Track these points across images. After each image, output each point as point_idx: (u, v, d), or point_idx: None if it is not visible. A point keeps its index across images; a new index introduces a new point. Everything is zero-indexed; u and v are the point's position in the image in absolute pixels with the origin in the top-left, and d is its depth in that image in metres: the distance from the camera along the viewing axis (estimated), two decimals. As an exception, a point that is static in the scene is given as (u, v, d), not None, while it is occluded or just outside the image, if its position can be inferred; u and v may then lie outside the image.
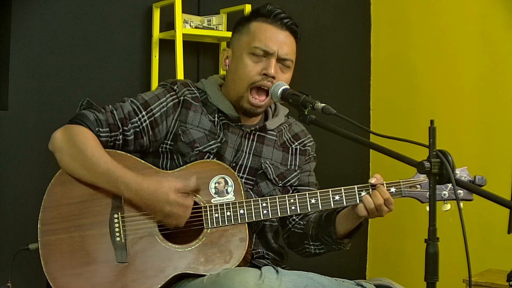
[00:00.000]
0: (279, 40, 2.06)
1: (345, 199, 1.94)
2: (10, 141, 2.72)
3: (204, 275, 1.86)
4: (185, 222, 1.90)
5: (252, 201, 1.95)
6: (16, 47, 2.73)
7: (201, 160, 2.01)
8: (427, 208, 1.87)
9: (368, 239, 3.94)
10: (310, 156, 2.24)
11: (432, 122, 1.52)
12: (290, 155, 2.18)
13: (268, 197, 1.96)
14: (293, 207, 1.95)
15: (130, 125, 2.02)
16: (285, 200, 1.95)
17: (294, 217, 2.16)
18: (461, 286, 2.95)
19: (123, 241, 1.93)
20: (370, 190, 1.93)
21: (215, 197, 1.95)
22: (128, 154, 2.01)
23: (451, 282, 2.91)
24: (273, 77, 2.04)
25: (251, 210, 1.94)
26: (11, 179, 2.72)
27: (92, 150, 1.93)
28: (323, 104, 1.85)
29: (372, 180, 1.93)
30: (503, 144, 3.35)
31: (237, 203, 1.94)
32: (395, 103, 3.83)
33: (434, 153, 1.52)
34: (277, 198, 1.96)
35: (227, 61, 2.13)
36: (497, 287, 2.85)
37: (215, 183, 1.96)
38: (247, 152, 2.11)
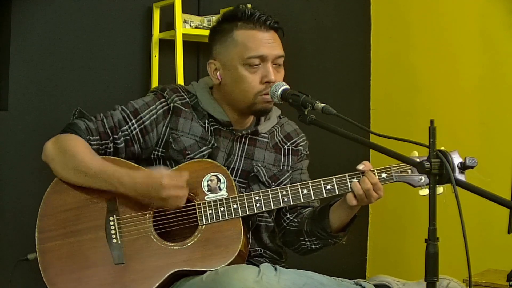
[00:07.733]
0: (269, 43, 2.05)
1: (337, 187, 1.97)
2: (10, 141, 2.72)
3: (202, 271, 1.88)
4: (185, 201, 1.92)
5: (245, 195, 1.97)
6: (16, 47, 2.73)
7: (193, 160, 2.03)
8: (420, 193, 1.95)
9: (368, 239, 3.93)
10: (303, 154, 2.24)
11: (432, 122, 1.53)
12: (282, 156, 2.18)
13: (260, 191, 1.99)
14: (285, 199, 1.97)
15: (120, 133, 2.04)
16: (278, 192, 1.97)
17: (288, 215, 2.17)
18: (461, 286, 2.94)
19: (119, 242, 1.94)
20: (361, 177, 1.95)
21: (208, 195, 1.97)
22: (121, 159, 2.03)
23: (451, 282, 2.90)
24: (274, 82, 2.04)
25: (244, 204, 1.96)
26: (11, 179, 2.72)
27: (83, 154, 1.96)
28: (323, 104, 1.87)
29: (360, 167, 1.95)
30: (503, 144, 3.35)
31: (230, 198, 1.96)
32: (395, 103, 3.83)
33: (434, 153, 1.52)
34: (269, 191, 1.98)
35: (218, 74, 2.09)
36: (497, 287, 2.85)
37: (208, 181, 1.98)
38: (239, 155, 2.11)
